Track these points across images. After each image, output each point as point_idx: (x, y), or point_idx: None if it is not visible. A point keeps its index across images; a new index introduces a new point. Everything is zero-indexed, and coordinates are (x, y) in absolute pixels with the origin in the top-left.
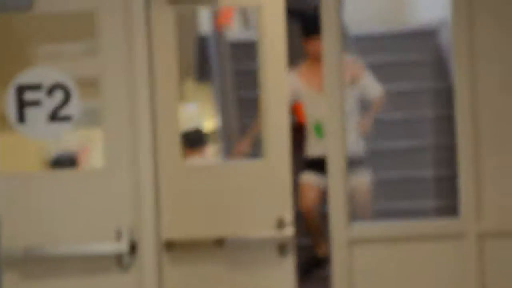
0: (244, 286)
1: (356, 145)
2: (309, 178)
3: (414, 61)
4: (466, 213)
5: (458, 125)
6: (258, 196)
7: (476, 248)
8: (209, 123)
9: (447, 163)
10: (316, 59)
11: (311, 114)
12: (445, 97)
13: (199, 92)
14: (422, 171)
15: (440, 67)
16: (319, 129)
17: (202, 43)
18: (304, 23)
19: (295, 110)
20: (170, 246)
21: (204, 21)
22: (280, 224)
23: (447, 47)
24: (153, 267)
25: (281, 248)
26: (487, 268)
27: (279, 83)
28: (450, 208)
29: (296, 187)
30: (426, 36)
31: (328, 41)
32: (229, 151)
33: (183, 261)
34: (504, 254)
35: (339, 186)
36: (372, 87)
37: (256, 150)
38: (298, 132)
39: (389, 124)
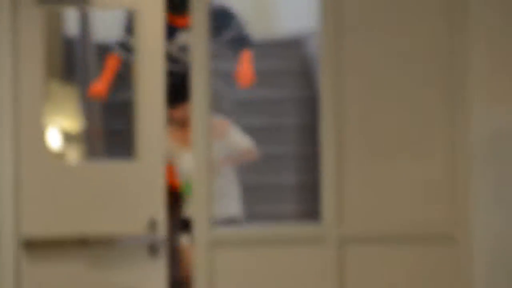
0: (111, 286)
1: (233, 207)
2: (189, 240)
3: (280, 70)
4: (327, 218)
5: (322, 133)
6: (126, 197)
7: (336, 253)
8: (72, 123)
9: (309, 170)
10: (183, 124)
11: (183, 172)
12: (310, 106)
13: (64, 92)
14: (285, 177)
15: (306, 77)
16: (189, 187)
17: (68, 45)
18: (172, 91)
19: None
20: (30, 245)
21: (72, 23)
22: (152, 225)
23: (313, 57)
24: (11, 266)
25: (152, 249)
26: (347, 273)
27: (155, 83)
28: (311, 214)
29: (174, 251)
30: (293, 45)
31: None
32: (92, 152)
33: (45, 260)
34: (364, 259)
35: (202, 187)
36: (240, 141)
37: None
38: (171, 195)
39: (255, 130)
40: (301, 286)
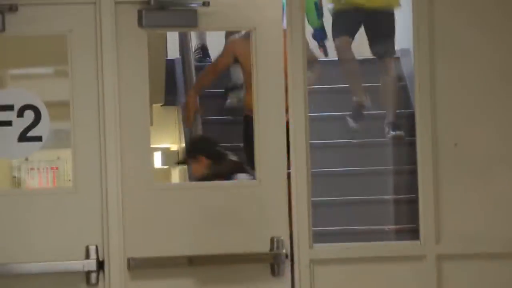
0: None
1: None
2: None
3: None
4: (426, 236)
5: (418, 150)
6: (248, 215)
7: (435, 270)
8: (175, 145)
9: (409, 187)
10: None
11: None
12: (407, 122)
13: (166, 115)
14: (384, 194)
15: (402, 93)
16: None
17: (170, 67)
18: None
19: None
20: (136, 264)
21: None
22: (275, 244)
23: (408, 75)
24: (119, 284)
25: (275, 268)
26: None
27: (276, 101)
28: (410, 231)
29: None
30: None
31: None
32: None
33: (150, 278)
34: (461, 275)
35: (303, 208)
36: None
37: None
38: None
39: (351, 147)
40: None
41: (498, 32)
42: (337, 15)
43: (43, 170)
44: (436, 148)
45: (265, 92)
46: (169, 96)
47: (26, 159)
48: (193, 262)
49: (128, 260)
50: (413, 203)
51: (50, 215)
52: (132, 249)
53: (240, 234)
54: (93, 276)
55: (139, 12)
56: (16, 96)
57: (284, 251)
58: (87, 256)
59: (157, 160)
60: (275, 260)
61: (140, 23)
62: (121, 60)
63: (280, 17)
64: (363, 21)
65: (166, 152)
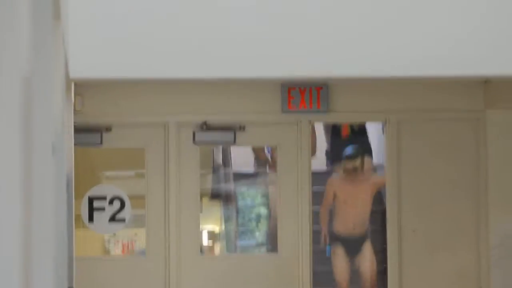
0: None
1: None
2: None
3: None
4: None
5: (388, 235)
6: (266, 281)
7: None
8: (218, 226)
9: (381, 261)
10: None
11: None
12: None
13: (212, 205)
14: None
15: (379, 196)
16: None
17: (216, 171)
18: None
19: None
20: None
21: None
22: None
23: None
24: None
25: None
26: None
27: (290, 198)
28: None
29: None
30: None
31: None
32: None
33: None
34: None
35: (306, 275)
36: None
37: None
38: None
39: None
40: None
41: (447, 152)
42: None
43: (125, 242)
44: (400, 233)
45: (285, 196)
46: (214, 191)
47: (114, 235)
48: None
49: None
50: (384, 272)
51: (130, 272)
52: None
53: None
54: None
55: (193, 133)
56: (108, 190)
57: None
58: None
59: (204, 238)
60: None
61: (194, 140)
62: (181, 166)
63: (295, 137)
64: None
65: (210, 232)
